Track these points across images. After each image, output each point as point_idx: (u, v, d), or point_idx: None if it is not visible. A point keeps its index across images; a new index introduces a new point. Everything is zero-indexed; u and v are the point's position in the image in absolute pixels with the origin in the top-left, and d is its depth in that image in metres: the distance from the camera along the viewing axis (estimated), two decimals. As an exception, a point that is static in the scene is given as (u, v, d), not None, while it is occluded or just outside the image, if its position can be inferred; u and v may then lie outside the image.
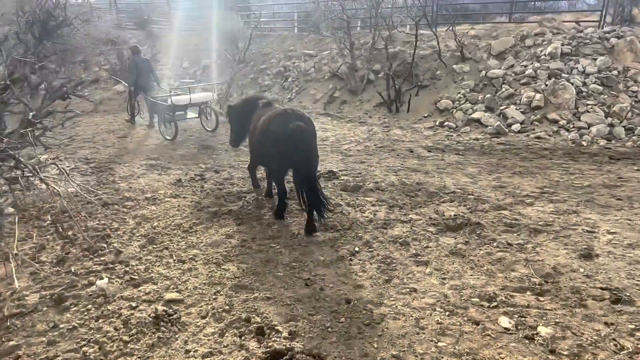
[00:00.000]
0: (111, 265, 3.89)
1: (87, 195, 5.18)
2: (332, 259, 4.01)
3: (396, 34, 13.03)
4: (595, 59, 10.01)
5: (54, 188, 3.87)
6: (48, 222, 4.90)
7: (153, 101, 9.62)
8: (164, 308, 3.25)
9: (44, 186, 6.08)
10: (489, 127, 9.30)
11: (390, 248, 4.19)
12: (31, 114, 4.24)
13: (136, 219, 4.93)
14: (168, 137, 9.32)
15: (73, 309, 3.31)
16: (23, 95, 5.09)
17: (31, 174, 4.27)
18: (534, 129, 9.02)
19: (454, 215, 4.94)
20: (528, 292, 3.31)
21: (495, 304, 3.18)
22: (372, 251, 4.15)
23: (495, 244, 4.14)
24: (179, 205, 5.37)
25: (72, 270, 3.84)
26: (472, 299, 3.24)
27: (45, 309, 3.34)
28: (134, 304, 3.33)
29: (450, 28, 11.98)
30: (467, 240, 4.28)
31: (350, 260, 4.00)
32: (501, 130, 9.06)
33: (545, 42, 10.97)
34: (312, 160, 4.64)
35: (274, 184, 5.40)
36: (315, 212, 4.50)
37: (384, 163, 7.49)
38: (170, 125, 9.23)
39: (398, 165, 7.33)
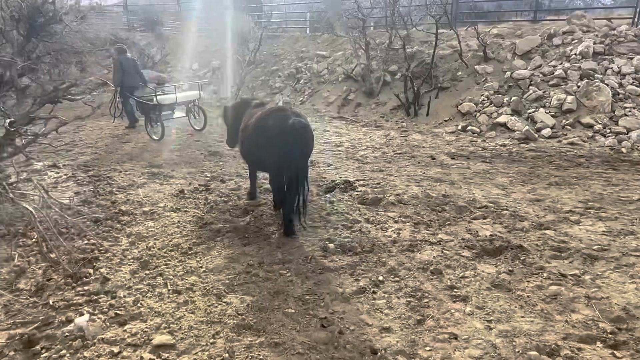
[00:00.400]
0: (95, 297, 3.34)
1: (65, 215, 4.66)
2: (352, 291, 3.41)
3: (414, 33, 12.40)
4: (631, 58, 9.26)
5: (27, 208, 3.31)
6: (34, 240, 4.39)
7: (138, 101, 9.43)
8: (152, 356, 2.69)
9: (36, 197, 5.60)
10: (517, 132, 8.62)
11: (420, 277, 3.59)
12: (7, 121, 3.72)
13: (130, 238, 4.40)
14: (155, 137, 9.13)
15: (44, 355, 2.77)
16: (7, 100, 4.62)
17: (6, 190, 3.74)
18: (566, 134, 8.32)
19: (490, 235, 4.31)
20: (599, 344, 2.67)
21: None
22: (398, 281, 3.55)
23: (545, 275, 3.50)
24: (179, 221, 4.82)
25: (50, 302, 3.30)
26: (530, 352, 2.61)
27: (11, 353, 2.80)
28: (116, 350, 2.78)
29: (473, 27, 11.31)
30: (510, 268, 3.65)
31: (374, 292, 3.40)
32: (530, 135, 8.37)
33: (575, 41, 10.25)
34: (307, 159, 4.59)
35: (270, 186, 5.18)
36: (296, 212, 4.41)
37: (404, 172, 6.87)
38: (157, 125, 9.06)
39: (420, 174, 6.71)
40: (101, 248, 4.09)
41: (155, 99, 8.82)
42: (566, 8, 15.04)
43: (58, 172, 6.88)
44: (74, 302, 3.28)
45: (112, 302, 3.28)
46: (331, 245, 4.16)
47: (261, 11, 19.13)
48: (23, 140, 4.95)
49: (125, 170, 7.02)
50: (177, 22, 20.98)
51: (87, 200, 5.52)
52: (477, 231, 4.48)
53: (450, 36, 12.06)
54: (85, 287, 3.47)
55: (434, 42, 11.37)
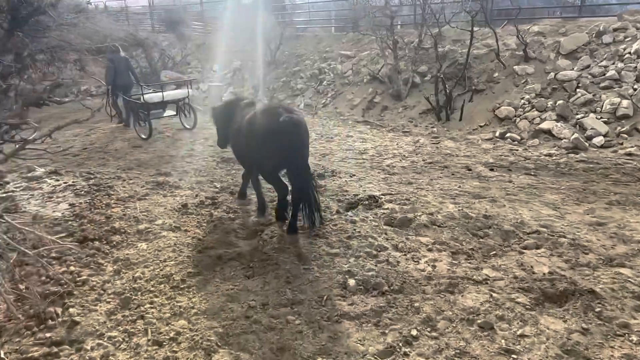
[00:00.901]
0: (56, 349, 2.69)
1: (46, 236, 4.06)
2: (378, 352, 2.66)
3: (446, 31, 11.51)
4: (697, 58, 8.18)
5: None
6: (4, 267, 3.80)
7: (128, 100, 9.44)
8: None
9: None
10: (564, 140, 7.67)
11: (465, 333, 2.80)
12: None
13: (116, 265, 3.76)
14: (143, 136, 9.14)
15: None
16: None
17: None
18: (622, 143, 7.32)
19: (550, 273, 3.48)
20: None
21: None
22: (437, 337, 2.77)
23: (634, 339, 2.67)
24: (175, 244, 4.16)
25: (1, 354, 2.67)
26: None
27: None
28: None
29: (514, 24, 10.36)
30: (584, 325, 2.82)
31: (405, 355, 2.64)
32: (580, 144, 7.42)
33: (629, 39, 9.18)
34: (306, 155, 4.41)
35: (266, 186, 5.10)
36: (310, 216, 4.34)
37: (436, 185, 6.06)
38: (145, 124, 9.05)
39: (455, 188, 5.89)
40: (79, 279, 3.46)
41: (142, 98, 8.81)
42: (611, 3, 13.83)
43: (58, 180, 6.37)
44: (29, 356, 2.64)
45: (75, 357, 2.62)
46: (352, 282, 3.42)
47: (285, 10, 18.54)
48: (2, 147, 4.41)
49: (130, 179, 6.45)
50: (200, 22, 20.61)
51: (80, 214, 4.94)
52: (531, 266, 3.65)
53: (486, 34, 11.13)
54: (48, 334, 2.83)
55: (467, 41, 10.48)
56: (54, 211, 5.18)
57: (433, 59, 11.05)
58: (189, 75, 17.00)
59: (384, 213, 4.91)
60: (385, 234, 4.41)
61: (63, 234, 4.42)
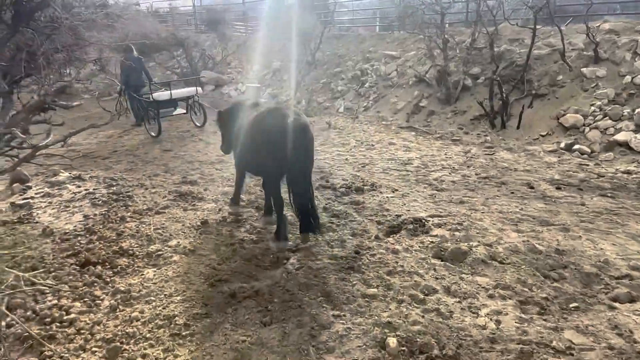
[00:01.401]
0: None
1: (50, 254, 3.58)
2: None
3: (502, 29, 10.48)
4: None
5: None
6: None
7: (138, 98, 9.58)
8: None
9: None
10: (645, 155, 6.58)
11: None
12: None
13: (115, 298, 3.22)
14: (153, 134, 9.26)
15: None
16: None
17: None
18: None
19: (658, 343, 2.62)
20: None
21: None
22: None
23: None
24: (186, 272, 3.59)
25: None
26: None
27: None
28: None
29: (582, 21, 9.22)
30: None
31: None
32: (666, 160, 6.31)
33: None
34: (310, 162, 4.12)
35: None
36: (307, 226, 4.05)
37: (493, 206, 5.21)
38: (154, 122, 9.19)
39: (516, 210, 5.02)
40: (66, 317, 2.92)
41: (151, 96, 9.01)
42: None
43: (79, 187, 6.01)
44: None
45: None
46: (392, 341, 2.70)
47: (327, 9, 17.92)
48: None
49: (153, 187, 6.00)
50: (242, 22, 20.37)
51: (91, 229, 4.49)
52: (629, 330, 2.80)
53: (547, 33, 10.03)
54: (11, 397, 2.29)
55: (526, 40, 9.45)
56: (66, 223, 4.76)
57: (487, 60, 10.08)
58: (228, 75, 16.74)
59: (432, 241, 4.14)
60: (434, 269, 3.65)
61: (68, 252, 3.96)
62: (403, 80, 11.42)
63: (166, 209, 5.11)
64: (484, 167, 6.85)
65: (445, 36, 10.12)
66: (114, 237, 4.28)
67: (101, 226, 4.58)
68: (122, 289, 3.31)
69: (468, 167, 6.90)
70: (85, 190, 5.84)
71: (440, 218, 4.78)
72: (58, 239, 4.30)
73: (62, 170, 6.61)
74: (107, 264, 3.69)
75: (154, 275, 3.54)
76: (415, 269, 3.65)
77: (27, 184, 6.18)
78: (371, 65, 12.67)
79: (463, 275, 3.56)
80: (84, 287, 3.32)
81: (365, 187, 5.93)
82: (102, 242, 4.18)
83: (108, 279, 3.45)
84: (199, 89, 9.93)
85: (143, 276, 3.53)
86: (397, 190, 5.89)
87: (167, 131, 10.00)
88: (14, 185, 6.10)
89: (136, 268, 3.66)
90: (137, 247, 4.05)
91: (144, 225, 4.56)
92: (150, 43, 17.49)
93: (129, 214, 4.93)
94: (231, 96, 14.76)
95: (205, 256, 3.89)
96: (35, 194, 5.81)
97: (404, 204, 5.29)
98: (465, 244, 4.07)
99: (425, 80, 10.67)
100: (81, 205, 5.26)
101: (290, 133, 3.81)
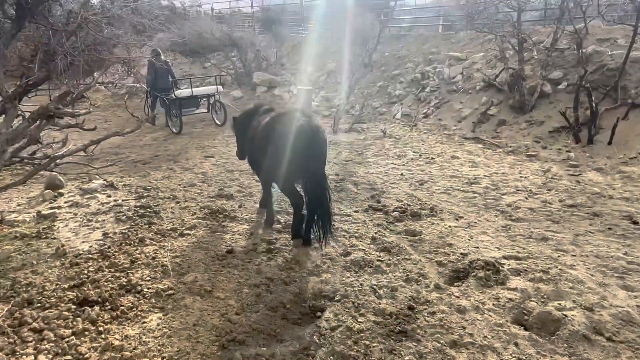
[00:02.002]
0: None
1: (53, 283, 3.03)
2: None
3: (591, 28, 9.08)
4: None
5: None
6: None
7: (163, 98, 9.93)
8: None
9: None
10: None
11: None
12: None
13: (103, 357, 2.59)
14: (174, 131, 9.71)
15: None
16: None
17: None
18: None
19: None
20: None
21: None
22: None
23: None
24: (195, 324, 2.91)
25: None
26: None
27: None
28: None
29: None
30: None
31: None
32: None
33: None
34: (323, 163, 4.12)
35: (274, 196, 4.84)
36: (323, 228, 3.90)
37: (586, 246, 4.14)
38: (176, 120, 9.68)
39: (619, 255, 3.93)
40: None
41: (173, 94, 9.61)
42: None
43: (110, 196, 5.59)
44: None
45: None
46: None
47: (387, 8, 16.97)
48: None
49: (185, 200, 5.46)
50: (299, 22, 19.88)
51: (105, 252, 3.96)
52: None
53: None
54: None
55: (619, 40, 8.07)
56: (83, 241, 4.29)
57: (570, 63, 8.78)
58: (281, 77, 16.25)
59: (510, 298, 3.20)
60: (516, 344, 2.72)
61: (72, 283, 3.43)
62: (469, 84, 10.28)
63: (192, 229, 4.50)
64: (568, 191, 5.71)
65: (522, 35, 8.90)
66: (127, 265, 3.71)
67: (117, 249, 4.04)
68: (115, 343, 2.68)
69: (548, 190, 5.79)
70: (114, 201, 5.40)
71: (518, 261, 3.80)
72: (68, 263, 3.80)
73: (98, 176, 6.27)
74: (107, 303, 3.10)
75: (158, 324, 2.89)
76: (489, 341, 2.74)
77: (60, 191, 5.87)
78: (433, 67, 11.61)
79: (557, 357, 2.60)
80: (71, 338, 2.72)
81: (423, 212, 5.04)
82: (112, 270, 3.62)
83: (103, 327, 2.84)
84: (220, 87, 10.37)
85: (145, 325, 2.89)
86: (461, 217, 4.95)
87: (212, 136, 9.58)
88: (46, 191, 5.80)
89: (139, 312, 3.03)
90: (148, 280, 3.45)
91: (162, 251, 3.97)
92: (205, 44, 17.48)
93: (150, 234, 4.37)
94: (283, 99, 14.22)
95: (223, 300, 3.20)
96: (65, 202, 5.45)
97: (471, 238, 4.35)
98: (556, 303, 3.09)
99: (495, 85, 9.49)
100: (104, 220, 4.79)
101: (300, 138, 3.79)
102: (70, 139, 4.86)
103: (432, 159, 7.37)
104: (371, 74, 13.01)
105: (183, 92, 9.70)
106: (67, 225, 4.74)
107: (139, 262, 3.76)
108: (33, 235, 4.48)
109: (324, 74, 15.10)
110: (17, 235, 4.51)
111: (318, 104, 12.91)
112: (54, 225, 4.72)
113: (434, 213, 5.03)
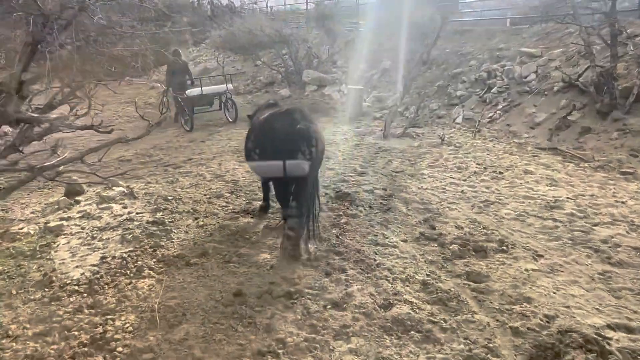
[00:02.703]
0: None
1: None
2: None
3: None
4: None
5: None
6: None
7: (176, 96, 10.15)
8: None
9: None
10: None
11: None
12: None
13: None
14: (187, 128, 9.89)
15: None
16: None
17: None
18: None
19: None
20: None
21: None
22: None
23: None
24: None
25: None
26: None
27: None
28: None
29: None
30: None
31: None
32: None
33: None
34: (316, 167, 4.02)
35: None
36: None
37: None
38: (188, 117, 9.92)
39: None
40: None
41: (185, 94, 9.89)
42: None
43: (125, 207, 5.00)
44: None
45: None
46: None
47: (450, 1, 15.63)
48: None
49: (205, 216, 4.76)
50: (353, 18, 18.93)
51: (94, 285, 3.30)
52: None
53: None
54: None
55: None
56: (77, 266, 3.68)
57: (678, 60, 7.20)
58: (332, 75, 15.40)
59: (630, 409, 2.12)
60: None
61: (40, 328, 2.76)
62: (545, 85, 8.87)
63: (202, 257, 3.75)
64: (686, 225, 4.39)
65: (617, 27, 7.43)
66: (111, 306, 3.01)
67: (109, 280, 3.37)
68: None
69: (657, 222, 4.49)
70: (128, 213, 4.80)
71: (630, 336, 2.69)
72: (49, 297, 3.17)
73: (120, 182, 5.74)
74: (68, 368, 2.38)
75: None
76: None
77: (77, 198, 5.38)
78: (501, 65, 10.25)
79: None
80: None
81: (490, 245, 4.00)
82: (92, 313, 2.93)
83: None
84: (230, 85, 10.68)
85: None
86: (541, 256, 3.85)
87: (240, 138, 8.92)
88: (61, 199, 5.32)
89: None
90: (128, 332, 2.70)
91: (156, 288, 3.23)
92: (256, 41, 17.00)
93: (153, 261, 3.67)
94: (333, 98, 13.37)
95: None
96: (78, 212, 4.93)
97: (557, 290, 3.27)
98: None
99: (578, 86, 8.05)
100: (108, 239, 4.17)
101: (294, 138, 3.72)
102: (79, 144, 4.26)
103: (500, 173, 6.19)
104: (429, 72, 11.83)
105: (194, 91, 10.10)
106: (68, 242, 4.17)
107: (126, 304, 3.04)
108: (28, 254, 3.94)
109: (378, 72, 14.05)
110: (13, 252, 4.00)
111: (370, 104, 11.93)
112: (55, 242, 4.17)
113: (504, 248, 3.96)
